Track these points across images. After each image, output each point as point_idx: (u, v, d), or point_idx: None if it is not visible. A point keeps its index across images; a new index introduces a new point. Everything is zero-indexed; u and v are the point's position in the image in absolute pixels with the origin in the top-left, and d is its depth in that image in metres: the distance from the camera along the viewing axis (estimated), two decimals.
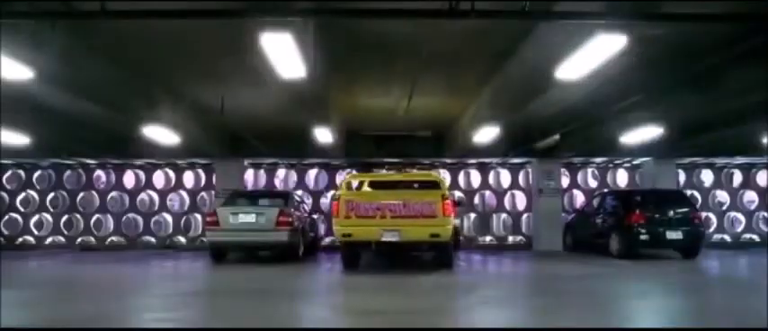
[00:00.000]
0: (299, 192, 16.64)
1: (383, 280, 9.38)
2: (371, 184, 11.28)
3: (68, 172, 17.23)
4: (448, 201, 9.98)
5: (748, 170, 17.62)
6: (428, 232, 9.81)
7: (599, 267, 10.66)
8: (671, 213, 12.49)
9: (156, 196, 17.39)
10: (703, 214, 15.32)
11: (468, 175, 17.57)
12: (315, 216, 15.74)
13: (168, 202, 17.41)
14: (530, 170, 16.95)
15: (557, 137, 14.23)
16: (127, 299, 7.34)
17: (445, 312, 6.16)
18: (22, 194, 17.28)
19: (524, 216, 17.20)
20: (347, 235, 10.11)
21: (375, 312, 5.85)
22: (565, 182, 17.21)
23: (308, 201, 16.82)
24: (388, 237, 9.74)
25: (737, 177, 17.72)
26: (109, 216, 17.30)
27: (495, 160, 16.84)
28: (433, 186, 10.67)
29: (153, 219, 17.29)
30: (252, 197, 13.68)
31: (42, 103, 10.63)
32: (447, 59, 9.30)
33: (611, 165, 17.60)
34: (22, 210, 17.24)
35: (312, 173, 17.77)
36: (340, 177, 17.04)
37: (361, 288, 8.56)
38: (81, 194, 17.30)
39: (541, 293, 7.49)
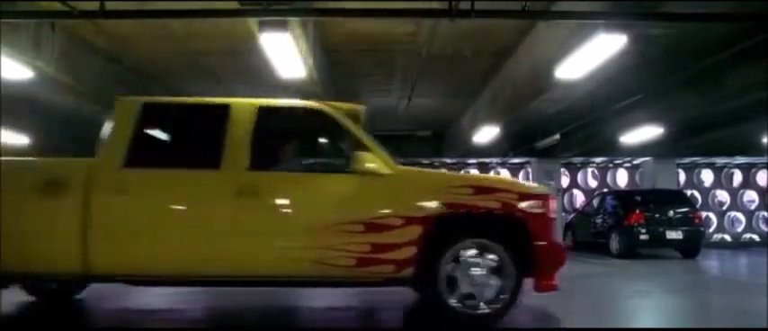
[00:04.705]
0: None
1: None
2: None
3: None
4: None
5: (748, 170, 17.62)
6: None
7: (599, 267, 10.66)
8: (671, 213, 12.48)
9: None
10: (703, 214, 15.30)
11: None
12: None
13: None
14: (530, 170, 16.95)
15: (557, 137, 14.24)
16: None
17: None
18: None
19: None
20: None
21: None
22: (565, 182, 17.20)
23: None
24: None
25: (737, 177, 17.72)
26: None
27: (495, 160, 16.86)
28: None
29: None
30: None
31: (43, 103, 10.65)
32: (447, 59, 9.32)
33: (611, 165, 17.60)
34: None
35: None
36: None
37: None
38: None
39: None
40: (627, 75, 9.10)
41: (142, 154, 4.36)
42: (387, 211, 4.26)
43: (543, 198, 4.50)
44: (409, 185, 4.41)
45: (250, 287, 4.93)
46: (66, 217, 4.17)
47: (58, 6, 6.03)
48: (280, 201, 4.37)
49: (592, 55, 6.73)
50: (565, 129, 13.25)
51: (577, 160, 16.97)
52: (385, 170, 4.33)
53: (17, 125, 11.91)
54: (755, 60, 7.97)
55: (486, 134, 12.35)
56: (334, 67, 9.61)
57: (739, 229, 17.53)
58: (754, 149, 15.31)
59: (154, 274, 4.30)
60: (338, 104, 4.73)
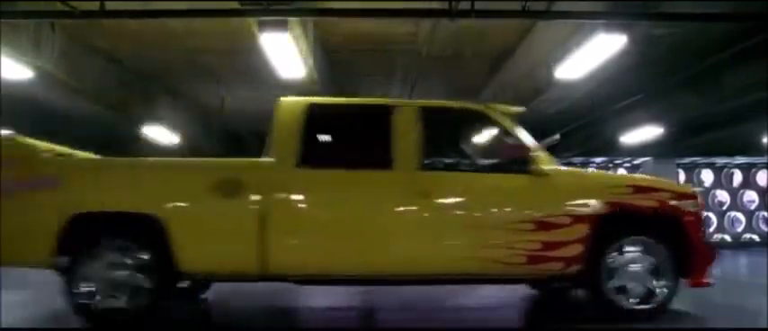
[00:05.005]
0: None
1: None
2: None
3: None
4: None
5: (748, 170, 17.61)
6: None
7: None
8: None
9: None
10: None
11: None
12: None
13: None
14: None
15: (557, 137, 14.22)
16: None
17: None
18: None
19: None
20: None
21: None
22: None
23: None
24: None
25: (737, 177, 17.72)
26: None
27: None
28: None
29: None
30: None
31: (43, 103, 10.64)
32: (447, 60, 9.31)
33: (611, 165, 17.58)
34: None
35: None
36: None
37: None
38: None
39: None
40: (627, 75, 9.09)
41: (313, 154, 4.39)
42: (556, 210, 4.37)
43: (696, 197, 4.74)
44: (575, 185, 4.59)
45: (423, 286, 5.08)
46: (244, 217, 4.18)
47: (58, 6, 6.03)
48: (455, 201, 4.45)
49: (592, 55, 6.73)
50: (565, 129, 13.23)
51: (577, 160, 16.94)
52: (551, 170, 4.52)
53: (17, 125, 11.89)
54: (755, 60, 7.96)
55: (487, 134, 12.33)
56: (334, 67, 9.61)
57: (739, 229, 17.51)
58: (754, 149, 15.30)
59: (329, 274, 4.33)
60: (495, 105, 4.86)
